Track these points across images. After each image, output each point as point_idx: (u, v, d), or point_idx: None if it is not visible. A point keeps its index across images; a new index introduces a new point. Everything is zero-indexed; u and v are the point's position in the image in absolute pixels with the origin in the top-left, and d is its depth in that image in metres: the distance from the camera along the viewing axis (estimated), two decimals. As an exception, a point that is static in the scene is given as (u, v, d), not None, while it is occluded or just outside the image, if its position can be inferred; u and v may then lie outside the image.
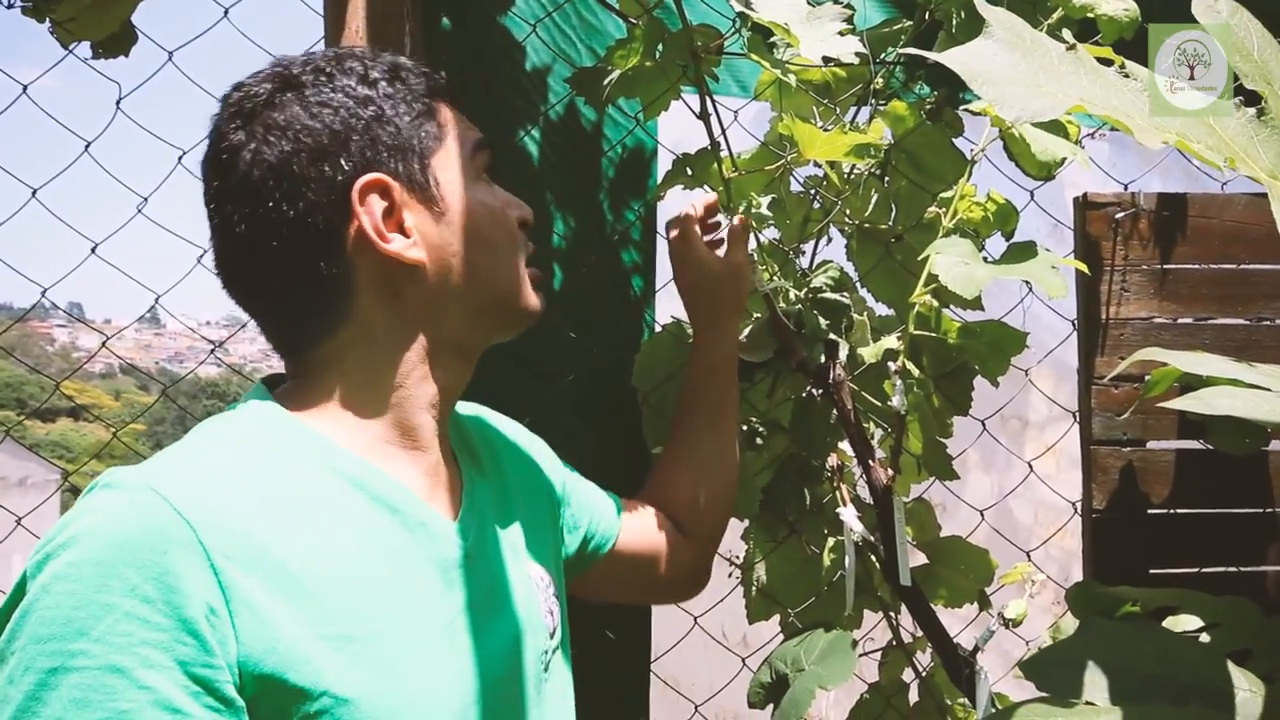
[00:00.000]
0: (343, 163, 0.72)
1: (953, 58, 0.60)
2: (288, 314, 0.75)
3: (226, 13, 1.31)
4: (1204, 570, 1.22)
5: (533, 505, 0.89)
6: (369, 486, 0.71)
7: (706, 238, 1.17)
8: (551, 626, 0.83)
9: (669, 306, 1.26)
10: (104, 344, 1.40)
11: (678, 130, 1.30)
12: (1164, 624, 0.98)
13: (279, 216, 0.71)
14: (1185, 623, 0.98)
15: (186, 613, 0.58)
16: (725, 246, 1.14)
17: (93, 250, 1.30)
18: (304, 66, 0.75)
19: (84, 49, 1.22)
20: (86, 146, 1.28)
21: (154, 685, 0.56)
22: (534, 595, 0.81)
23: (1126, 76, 0.63)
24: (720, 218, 1.19)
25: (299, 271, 0.73)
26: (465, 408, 0.93)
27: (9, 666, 0.57)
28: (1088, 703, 0.66)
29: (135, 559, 0.58)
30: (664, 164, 1.31)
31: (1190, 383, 0.81)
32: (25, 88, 1.26)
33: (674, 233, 1.14)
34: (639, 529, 1.04)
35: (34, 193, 1.29)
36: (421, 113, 0.78)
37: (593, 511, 0.99)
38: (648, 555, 1.04)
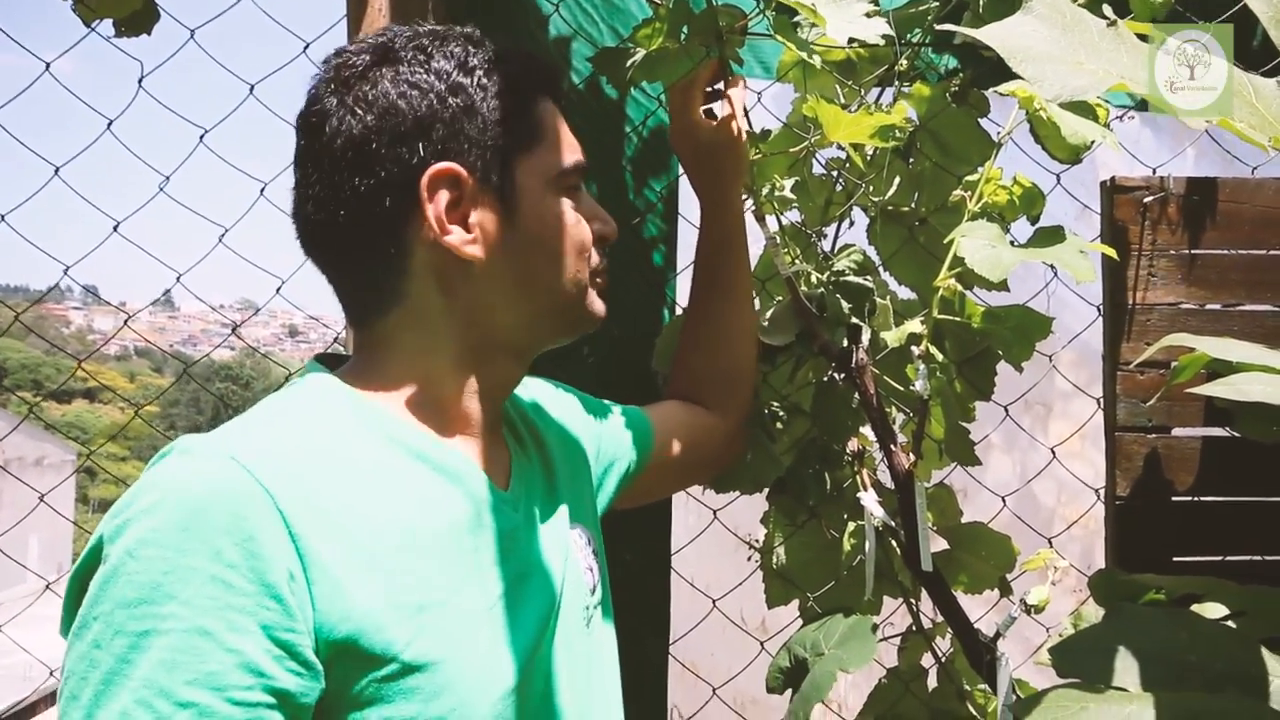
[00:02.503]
0: (420, 148, 0.73)
1: (991, 34, 0.59)
2: (349, 283, 0.78)
3: (248, -9, 1.30)
4: (1229, 559, 1.21)
5: (571, 469, 0.92)
6: (430, 457, 0.73)
7: (705, 106, 1.16)
8: (591, 583, 0.85)
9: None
10: (125, 323, 1.41)
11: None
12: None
13: (351, 189, 0.73)
14: (1210, 611, 0.97)
15: (269, 578, 0.59)
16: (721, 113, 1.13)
17: (115, 228, 1.31)
18: (406, 41, 0.76)
19: (105, 26, 1.22)
20: (109, 125, 1.28)
21: (240, 648, 0.57)
22: (575, 556, 0.84)
23: (1168, 54, 0.61)
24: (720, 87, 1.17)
25: (361, 243, 0.75)
26: None
27: (93, 631, 0.57)
28: (1118, 688, 0.66)
29: (218, 524, 0.59)
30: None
31: (1218, 369, 0.80)
32: (48, 65, 1.26)
33: (677, 95, 1.13)
34: (669, 432, 1.07)
35: (56, 170, 1.29)
36: (514, 111, 0.77)
37: (622, 443, 1.02)
38: (683, 451, 1.08)
